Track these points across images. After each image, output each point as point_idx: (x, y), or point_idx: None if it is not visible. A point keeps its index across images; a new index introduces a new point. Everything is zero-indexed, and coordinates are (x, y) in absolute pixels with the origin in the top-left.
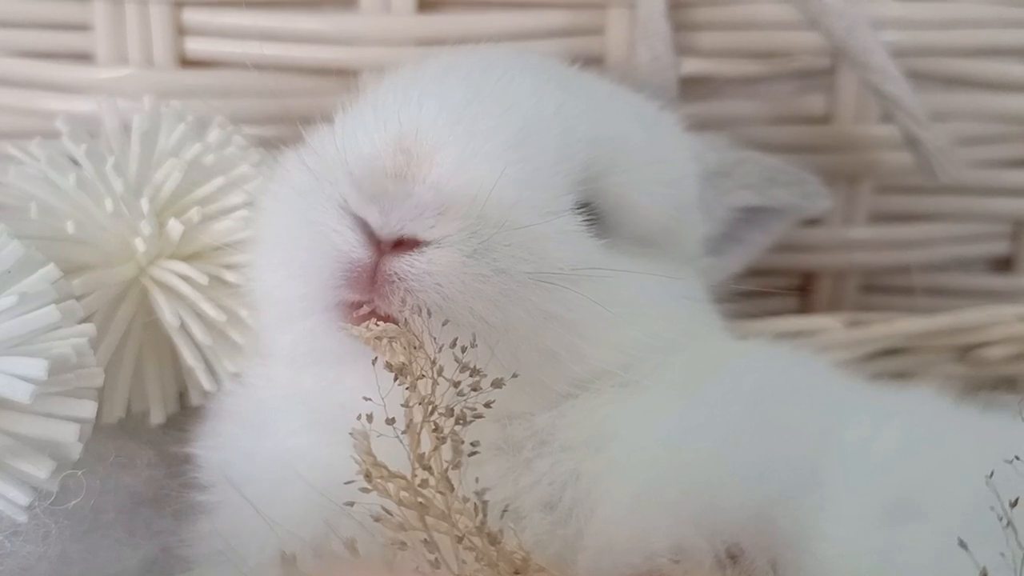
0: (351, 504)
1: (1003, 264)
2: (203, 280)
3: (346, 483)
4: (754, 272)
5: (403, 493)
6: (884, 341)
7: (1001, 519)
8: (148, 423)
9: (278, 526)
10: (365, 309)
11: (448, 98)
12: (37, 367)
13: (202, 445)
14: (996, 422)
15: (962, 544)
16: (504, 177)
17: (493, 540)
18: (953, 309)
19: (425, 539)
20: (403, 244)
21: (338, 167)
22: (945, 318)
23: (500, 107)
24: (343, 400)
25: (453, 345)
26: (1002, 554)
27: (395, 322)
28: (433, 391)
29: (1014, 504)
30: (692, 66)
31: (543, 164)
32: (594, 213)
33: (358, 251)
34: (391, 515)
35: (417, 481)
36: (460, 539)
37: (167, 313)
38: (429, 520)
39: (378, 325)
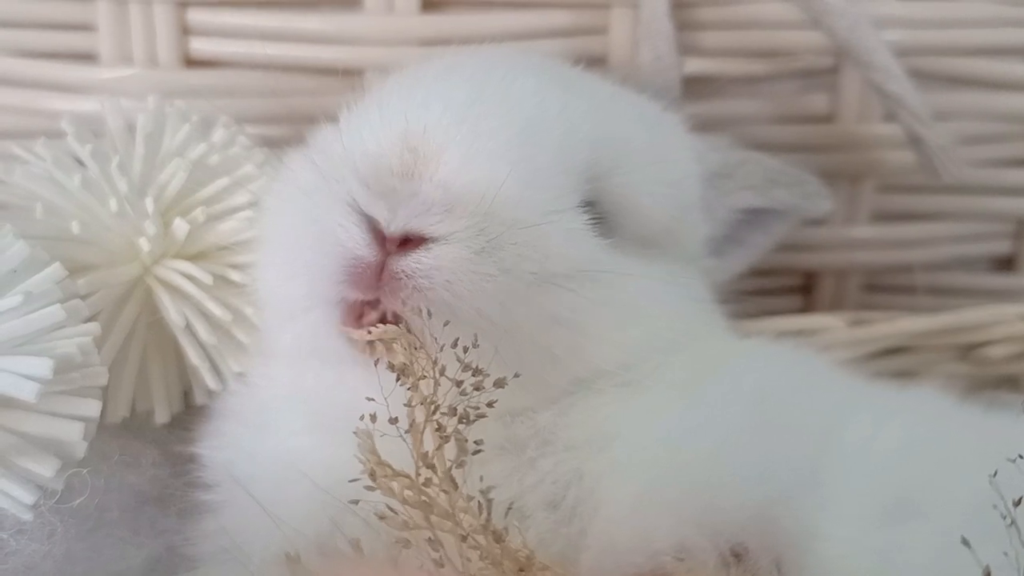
0: (356, 502)
1: (1005, 263)
2: (208, 280)
3: (350, 481)
4: (756, 271)
5: (407, 492)
6: (886, 340)
7: (1004, 518)
8: (153, 422)
9: (283, 524)
10: (369, 312)
11: (452, 98)
12: (42, 366)
13: (206, 444)
14: (998, 421)
15: (965, 543)
16: (509, 176)
17: (497, 538)
18: (955, 308)
19: (429, 537)
20: (409, 243)
21: (344, 166)
22: (947, 317)
23: (503, 107)
24: (345, 400)
25: (455, 345)
26: (1005, 553)
27: (401, 320)
28: (435, 391)
29: (1018, 503)
30: (695, 66)
31: (546, 164)
32: (599, 213)
33: (363, 249)
34: (396, 514)
35: (421, 480)
36: (464, 537)
37: (172, 312)
38: (433, 519)
39: (378, 327)
